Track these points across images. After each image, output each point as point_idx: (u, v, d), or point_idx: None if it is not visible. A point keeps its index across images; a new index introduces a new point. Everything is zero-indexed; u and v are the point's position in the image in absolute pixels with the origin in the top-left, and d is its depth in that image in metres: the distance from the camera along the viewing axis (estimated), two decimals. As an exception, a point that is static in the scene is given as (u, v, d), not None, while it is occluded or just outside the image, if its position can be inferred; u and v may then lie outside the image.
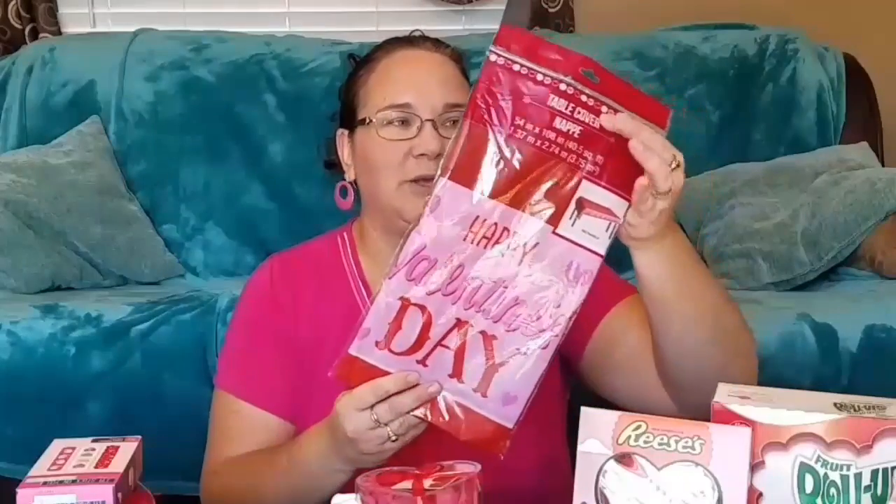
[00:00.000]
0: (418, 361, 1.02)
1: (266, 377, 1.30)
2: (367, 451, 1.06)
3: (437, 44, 1.33)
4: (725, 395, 0.95)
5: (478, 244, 1.00)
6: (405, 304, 1.01)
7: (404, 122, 1.26)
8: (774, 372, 1.84)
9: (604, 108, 0.98)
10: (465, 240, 1.00)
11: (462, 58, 1.35)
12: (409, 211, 1.24)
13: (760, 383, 1.05)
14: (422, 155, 1.24)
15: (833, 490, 0.91)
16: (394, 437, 1.04)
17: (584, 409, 0.96)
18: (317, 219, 2.40)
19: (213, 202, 2.46)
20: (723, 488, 0.91)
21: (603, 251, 1.01)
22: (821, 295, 2.10)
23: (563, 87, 0.98)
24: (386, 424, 1.03)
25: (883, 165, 2.43)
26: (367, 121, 1.28)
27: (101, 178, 2.35)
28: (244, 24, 2.75)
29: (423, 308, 1.01)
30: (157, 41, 2.56)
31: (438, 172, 1.01)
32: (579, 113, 0.99)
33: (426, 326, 1.01)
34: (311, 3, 2.89)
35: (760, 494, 0.93)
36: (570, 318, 1.01)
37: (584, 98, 0.98)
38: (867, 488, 0.90)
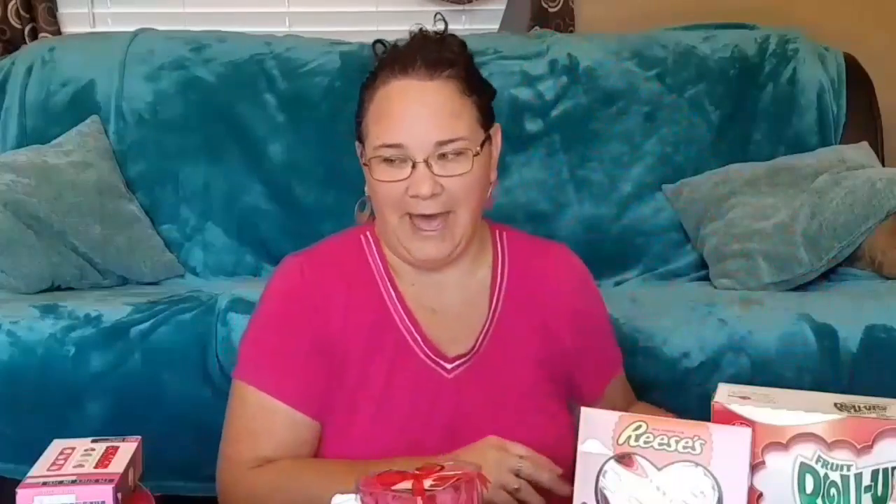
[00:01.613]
0: None
1: (299, 376, 1.31)
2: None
3: (433, 67, 1.29)
4: (726, 396, 0.95)
5: None
6: None
7: (398, 161, 1.27)
8: (774, 372, 1.84)
9: None
10: None
11: (462, 72, 1.31)
12: (416, 251, 1.31)
13: (761, 383, 1.05)
14: (416, 196, 1.27)
15: (833, 490, 0.91)
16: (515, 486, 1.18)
17: (583, 409, 0.97)
18: (317, 219, 2.41)
19: (213, 202, 2.46)
20: (723, 488, 0.91)
21: None
22: (821, 295, 2.10)
23: None
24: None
25: (883, 165, 2.44)
26: (365, 159, 1.31)
27: (101, 178, 2.35)
28: (244, 24, 2.75)
29: None
30: (157, 41, 2.55)
31: None
32: None
33: None
34: (311, 3, 2.88)
35: (760, 494, 0.93)
36: None
37: None
38: (867, 488, 0.91)
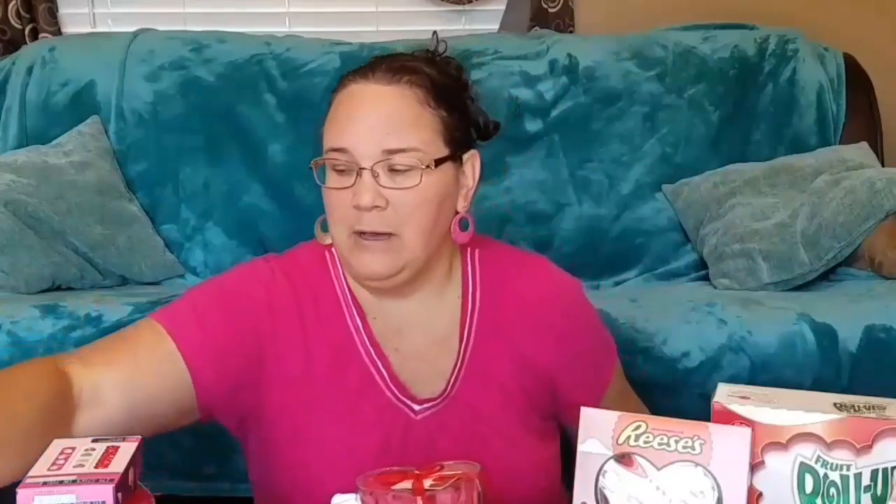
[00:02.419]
0: None
1: (209, 340, 1.18)
2: None
3: (394, 73, 1.20)
4: (725, 396, 0.95)
5: None
6: None
7: (344, 168, 1.18)
8: (774, 372, 1.84)
9: None
10: None
11: (427, 81, 1.21)
12: (359, 266, 1.19)
13: (761, 383, 1.05)
14: (357, 206, 1.16)
15: (833, 490, 0.91)
16: None
17: (583, 409, 0.96)
18: (316, 219, 2.40)
19: (213, 202, 2.46)
20: (723, 488, 0.91)
21: None
22: (821, 295, 2.10)
23: None
24: None
25: (883, 165, 2.44)
26: (316, 167, 1.22)
27: (101, 178, 2.35)
28: (244, 24, 2.75)
29: None
30: (157, 41, 2.56)
31: None
32: None
33: None
34: (311, 3, 2.89)
35: (760, 494, 0.93)
36: None
37: None
38: (867, 488, 0.90)
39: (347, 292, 1.25)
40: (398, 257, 1.19)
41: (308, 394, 1.22)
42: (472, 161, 1.25)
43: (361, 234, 1.18)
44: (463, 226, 1.25)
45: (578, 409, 0.97)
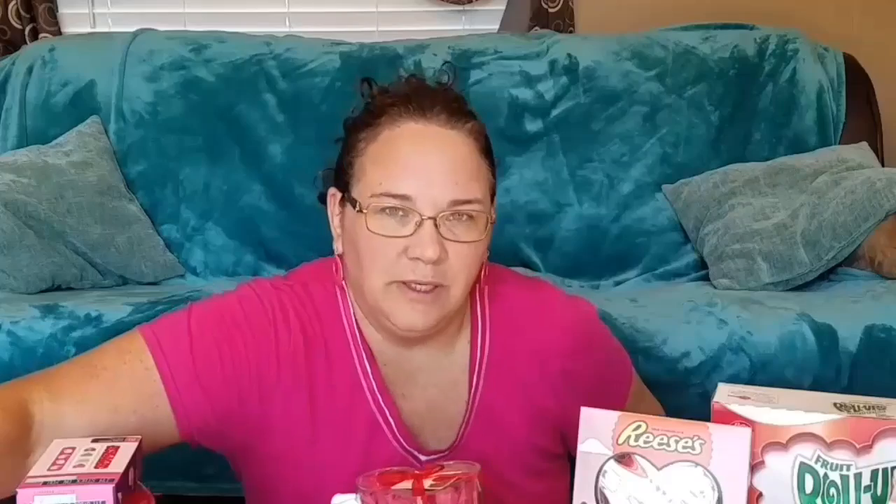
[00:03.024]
0: None
1: (203, 383, 1.12)
2: None
3: (453, 116, 1.13)
4: (725, 396, 0.95)
5: None
6: None
7: (400, 213, 1.10)
8: (774, 372, 1.84)
9: None
10: None
11: (483, 130, 1.16)
12: (399, 316, 1.12)
13: (761, 383, 1.05)
14: (417, 258, 1.09)
15: (833, 490, 0.91)
16: None
17: (583, 409, 0.96)
18: (317, 219, 2.39)
19: (213, 202, 2.46)
20: (723, 488, 0.91)
21: None
22: (821, 295, 2.10)
23: None
24: None
25: (883, 165, 2.44)
26: (358, 206, 1.12)
27: (101, 178, 2.35)
28: (244, 24, 2.75)
29: None
30: (157, 41, 2.56)
31: None
32: None
33: None
34: (311, 3, 2.89)
35: (760, 494, 0.93)
36: None
37: None
38: (867, 488, 0.90)
39: (357, 335, 1.19)
40: (441, 310, 1.13)
41: (311, 440, 1.17)
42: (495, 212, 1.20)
43: (406, 282, 1.11)
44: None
45: None
